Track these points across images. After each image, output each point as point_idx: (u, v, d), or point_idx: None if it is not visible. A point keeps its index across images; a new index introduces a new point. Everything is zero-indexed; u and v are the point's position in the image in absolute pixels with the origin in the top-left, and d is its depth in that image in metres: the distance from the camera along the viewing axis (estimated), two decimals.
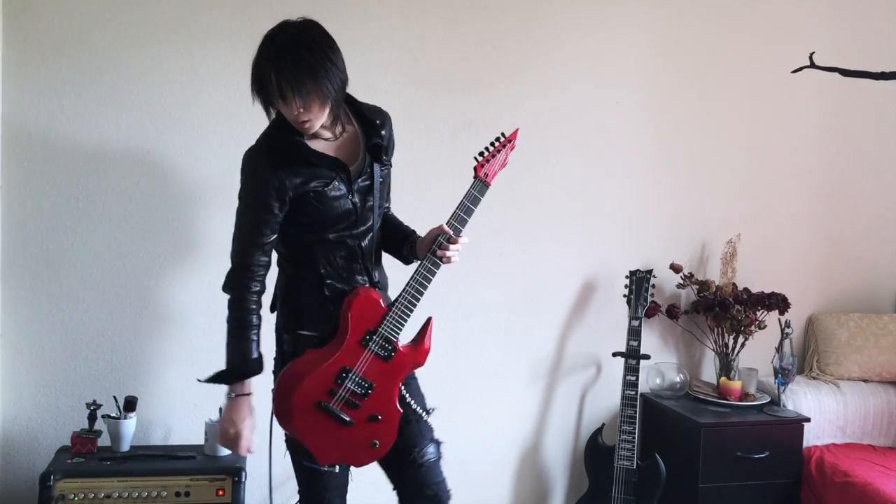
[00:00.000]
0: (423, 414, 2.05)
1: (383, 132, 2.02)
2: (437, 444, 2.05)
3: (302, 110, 1.82)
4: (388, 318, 1.93)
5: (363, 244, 1.98)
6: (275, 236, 1.92)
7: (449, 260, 1.95)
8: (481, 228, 2.98)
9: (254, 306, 1.90)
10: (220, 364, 2.71)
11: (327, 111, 1.86)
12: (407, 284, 1.94)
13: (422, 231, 2.08)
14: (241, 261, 1.90)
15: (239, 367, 1.90)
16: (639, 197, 3.14)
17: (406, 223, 2.18)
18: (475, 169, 2.01)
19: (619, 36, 3.07)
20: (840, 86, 3.21)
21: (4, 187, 2.59)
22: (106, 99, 2.62)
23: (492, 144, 2.05)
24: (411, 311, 1.94)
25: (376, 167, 1.99)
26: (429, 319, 2.01)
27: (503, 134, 2.08)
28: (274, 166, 1.86)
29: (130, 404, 2.56)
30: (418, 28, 2.87)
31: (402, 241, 2.10)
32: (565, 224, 3.08)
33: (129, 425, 2.55)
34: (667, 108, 3.15)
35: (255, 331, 1.90)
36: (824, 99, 3.29)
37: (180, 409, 2.74)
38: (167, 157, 2.68)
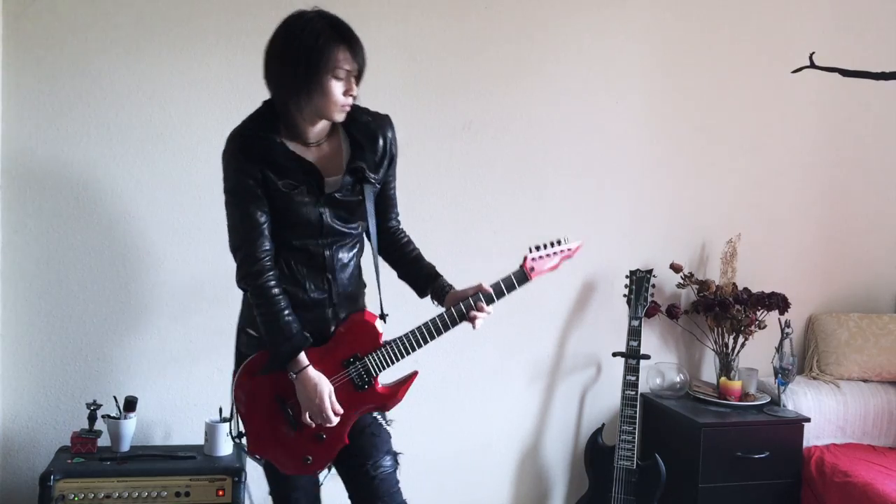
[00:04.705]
0: (383, 423, 2.02)
1: (378, 145, 1.94)
2: (395, 455, 2.02)
3: (356, 90, 1.84)
4: (379, 351, 1.92)
5: (327, 254, 1.93)
6: (268, 219, 1.86)
7: (475, 322, 1.93)
8: (482, 229, 2.99)
9: (276, 290, 1.85)
10: (220, 363, 2.73)
11: None
12: (413, 329, 1.92)
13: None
14: (245, 252, 1.86)
15: (287, 348, 1.85)
16: (639, 197, 3.14)
17: (406, 228, 2.13)
18: (524, 258, 2.00)
19: (619, 36, 3.07)
20: (840, 86, 3.21)
21: (4, 187, 2.59)
22: (106, 98, 2.62)
23: (550, 244, 2.02)
24: (406, 354, 1.93)
25: (367, 188, 1.93)
26: (414, 373, 1.98)
27: (566, 240, 2.04)
28: (246, 155, 1.84)
29: (130, 404, 2.56)
30: (418, 28, 2.87)
31: (426, 279, 2.03)
32: (565, 224, 3.07)
33: (129, 425, 2.55)
34: (667, 108, 3.15)
35: (287, 311, 1.85)
36: (824, 99, 3.29)
37: (180, 409, 2.74)
38: (167, 157, 2.68)
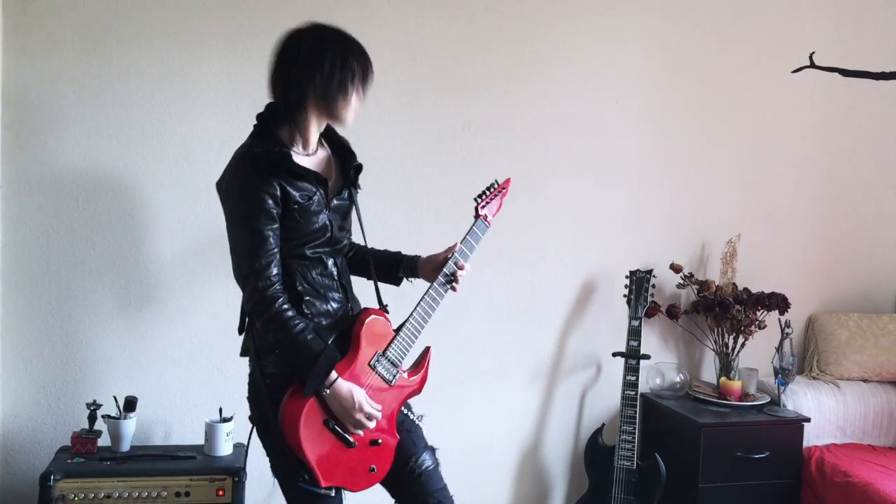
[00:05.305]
0: (416, 420, 2.06)
1: (354, 156, 2.05)
2: (433, 450, 2.05)
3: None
4: (396, 341, 1.95)
5: (339, 261, 1.98)
6: (278, 242, 1.84)
7: (457, 283, 2.03)
8: None
9: (291, 313, 1.82)
10: (220, 363, 2.74)
11: None
12: (415, 308, 1.97)
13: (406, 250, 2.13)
14: (258, 277, 1.80)
15: (322, 363, 1.81)
16: (639, 197, 3.14)
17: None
18: (476, 208, 2.12)
19: (619, 36, 3.07)
20: (840, 86, 3.21)
21: (4, 187, 2.59)
22: (105, 98, 2.62)
23: (489, 189, 2.15)
24: (418, 335, 1.98)
25: (354, 192, 2.02)
26: (427, 349, 2.06)
27: (497, 181, 2.19)
28: (262, 174, 1.81)
29: (130, 404, 2.56)
30: (418, 28, 2.87)
31: (394, 264, 2.14)
32: (565, 224, 3.08)
33: (129, 425, 2.55)
34: (667, 108, 3.15)
35: (307, 329, 1.83)
36: (824, 99, 3.29)
37: (180, 409, 2.74)
38: (167, 157, 2.68)
